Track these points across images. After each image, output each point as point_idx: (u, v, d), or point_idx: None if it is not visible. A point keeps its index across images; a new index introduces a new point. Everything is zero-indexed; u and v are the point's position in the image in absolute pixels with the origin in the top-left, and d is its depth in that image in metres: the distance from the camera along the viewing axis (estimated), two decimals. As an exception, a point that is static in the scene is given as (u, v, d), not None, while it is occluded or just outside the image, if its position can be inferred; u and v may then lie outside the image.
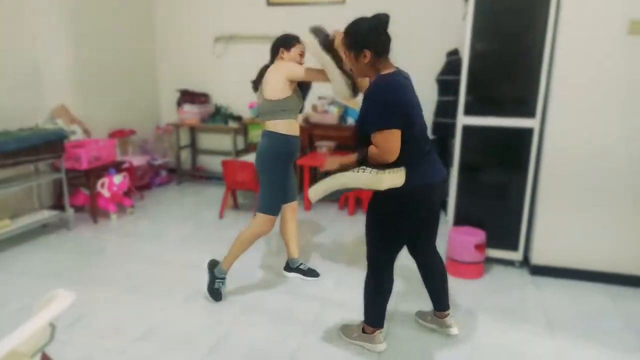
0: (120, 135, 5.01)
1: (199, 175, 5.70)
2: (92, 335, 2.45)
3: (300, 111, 2.84)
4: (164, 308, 2.73)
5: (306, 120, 4.84)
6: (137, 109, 5.41)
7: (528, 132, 2.99)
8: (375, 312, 2.29)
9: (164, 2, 5.49)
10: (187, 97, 5.34)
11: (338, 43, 2.29)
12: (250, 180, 4.16)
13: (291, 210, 3.03)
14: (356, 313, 2.54)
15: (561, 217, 3.00)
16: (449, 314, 2.44)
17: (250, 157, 4.21)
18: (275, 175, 2.73)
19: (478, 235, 3.08)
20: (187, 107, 5.27)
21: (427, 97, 2.13)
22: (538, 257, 3.11)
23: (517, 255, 3.22)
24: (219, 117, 5.26)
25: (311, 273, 3.10)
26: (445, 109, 3.97)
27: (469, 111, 3.07)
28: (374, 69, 2.03)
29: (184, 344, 2.38)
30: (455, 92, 3.25)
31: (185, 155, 5.71)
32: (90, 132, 4.50)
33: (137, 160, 4.97)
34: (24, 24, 3.98)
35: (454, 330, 2.42)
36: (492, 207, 3.19)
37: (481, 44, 2.96)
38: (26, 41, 4.01)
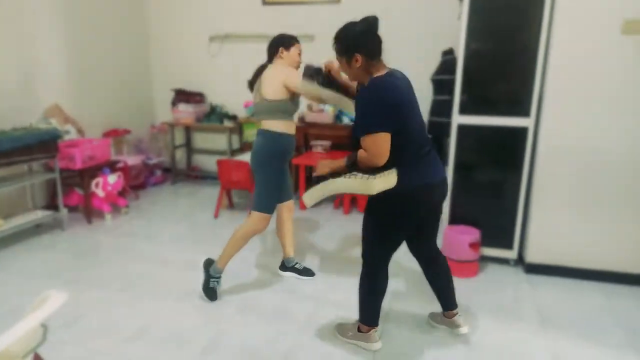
0: (115, 134, 4.99)
1: (194, 175, 5.68)
2: (85, 335, 2.44)
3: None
4: (158, 308, 2.72)
5: (301, 119, 4.83)
6: (131, 108, 5.39)
7: (522, 131, 3.00)
8: (370, 311, 2.30)
9: (158, 0, 5.47)
10: (182, 96, 5.32)
11: (334, 69, 2.31)
12: (246, 179, 4.15)
13: (287, 209, 3.02)
14: (351, 312, 2.54)
15: (555, 215, 3.02)
16: (457, 313, 2.43)
17: (246, 157, 4.20)
18: (271, 173, 2.73)
19: (473, 234, 3.09)
20: (182, 107, 5.25)
21: (422, 96, 2.13)
22: (532, 256, 3.13)
23: (511, 254, 3.23)
24: (214, 116, 5.25)
25: (306, 272, 3.10)
26: (441, 109, 3.98)
27: (464, 110, 3.08)
28: (367, 73, 2.02)
29: (178, 343, 2.38)
30: (451, 92, 3.26)
31: (180, 154, 5.69)
32: (84, 131, 4.48)
33: (132, 160, 4.95)
34: (18, 23, 3.96)
35: (464, 330, 2.40)
36: (487, 205, 3.20)
37: (476, 43, 2.97)
38: (19, 40, 3.98)
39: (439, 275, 2.40)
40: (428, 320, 2.55)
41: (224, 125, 5.16)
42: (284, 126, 2.70)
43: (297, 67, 2.75)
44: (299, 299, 2.83)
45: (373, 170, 1.98)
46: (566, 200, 2.98)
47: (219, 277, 2.79)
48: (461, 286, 2.95)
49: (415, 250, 2.39)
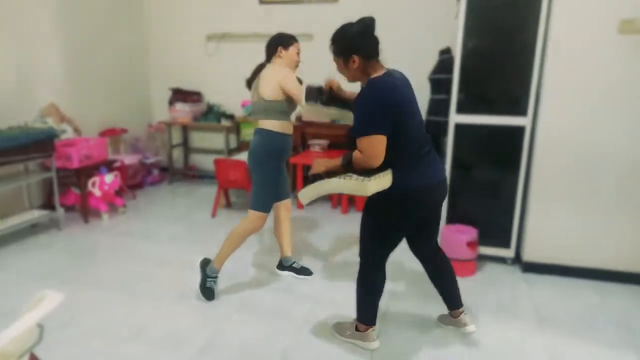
0: (112, 133, 4.97)
1: (191, 174, 5.67)
2: (82, 335, 2.43)
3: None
4: (155, 308, 2.71)
5: (299, 118, 4.83)
6: (128, 107, 5.37)
7: (520, 130, 3.01)
8: (367, 310, 2.30)
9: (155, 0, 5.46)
10: (179, 95, 5.31)
11: (335, 85, 2.32)
12: (243, 179, 4.15)
13: (285, 208, 3.02)
14: (349, 311, 2.53)
15: (552, 214, 3.02)
16: (463, 312, 2.41)
17: (243, 156, 4.20)
18: (267, 172, 2.72)
19: (470, 233, 3.10)
20: (179, 106, 5.24)
21: (419, 95, 2.13)
22: (530, 255, 3.13)
23: (509, 253, 3.24)
24: (212, 115, 5.24)
25: (304, 271, 3.10)
26: (438, 108, 3.97)
27: (461, 109, 3.08)
28: (364, 73, 2.02)
29: (176, 343, 2.37)
30: (448, 91, 3.26)
31: (178, 153, 5.68)
32: (80, 130, 4.47)
33: (129, 159, 4.94)
34: (15, 22, 3.94)
35: (470, 328, 2.38)
36: (485, 204, 3.20)
37: (473, 42, 2.97)
38: (16, 39, 3.96)
39: (441, 275, 2.39)
40: (437, 322, 2.52)
41: (221, 125, 5.15)
42: (281, 126, 2.69)
43: (296, 66, 2.75)
44: (296, 298, 2.83)
45: (368, 171, 1.98)
46: (563, 199, 2.99)
47: (216, 277, 2.79)
48: (459, 285, 2.95)
49: (416, 251, 2.38)
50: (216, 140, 5.52)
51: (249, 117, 4.76)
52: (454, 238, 3.08)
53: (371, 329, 2.31)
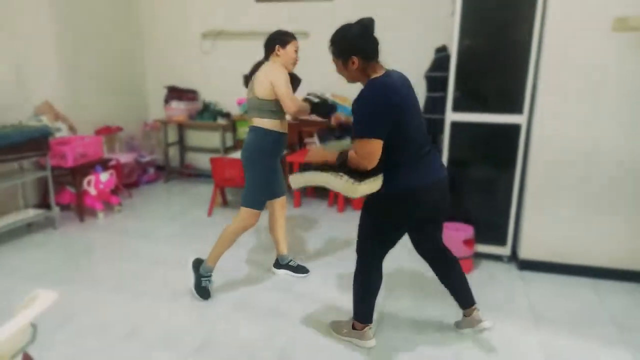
0: (107, 132, 4.95)
1: (187, 173, 5.66)
2: (78, 334, 2.42)
3: None
4: (151, 306, 2.70)
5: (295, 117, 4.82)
6: (123, 105, 5.35)
7: (515, 128, 3.01)
8: (364, 307, 2.29)
9: (150, -3, 5.44)
10: (175, 93, 5.29)
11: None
12: (239, 177, 4.13)
13: (280, 206, 3.01)
14: (345, 309, 2.54)
15: (548, 212, 3.03)
16: (476, 309, 2.35)
17: (239, 154, 4.17)
18: (260, 170, 2.72)
19: (466, 231, 3.10)
20: (175, 104, 5.22)
21: (415, 93, 2.13)
22: (526, 252, 3.14)
23: (505, 250, 3.24)
24: (208, 113, 5.22)
25: (301, 269, 3.10)
26: (434, 106, 3.98)
27: (457, 107, 3.08)
28: (364, 74, 2.02)
29: (172, 342, 2.37)
30: (444, 89, 3.26)
31: (174, 152, 5.66)
32: (76, 128, 4.44)
33: (124, 158, 4.92)
34: (8, 19, 3.91)
35: (487, 324, 2.29)
36: (481, 202, 3.21)
37: (469, 40, 2.97)
38: (10, 37, 3.94)
39: (449, 274, 2.35)
40: (455, 329, 2.45)
41: (217, 123, 5.13)
42: (274, 124, 2.69)
43: (294, 64, 2.73)
44: (293, 296, 2.83)
45: (360, 174, 1.99)
46: (559, 196, 2.99)
47: (210, 276, 2.78)
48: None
49: (421, 251, 2.36)
50: (212, 138, 5.50)
51: (245, 115, 4.75)
52: (450, 236, 3.07)
53: (368, 327, 2.31)
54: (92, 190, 4.11)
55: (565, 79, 2.83)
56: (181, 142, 5.68)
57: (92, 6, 4.81)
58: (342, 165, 2.06)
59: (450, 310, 2.63)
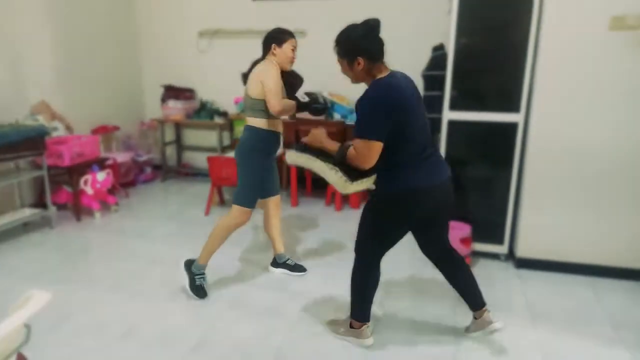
0: (104, 131, 4.93)
1: (184, 172, 5.65)
2: (75, 334, 2.41)
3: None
4: (148, 306, 2.70)
5: (292, 115, 4.81)
6: (120, 105, 5.33)
7: (512, 126, 3.01)
8: (362, 306, 2.29)
9: (147, -4, 5.42)
10: (172, 92, 5.27)
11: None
12: (236, 176, 4.12)
13: (274, 205, 3.01)
14: (343, 308, 2.53)
15: (545, 210, 3.03)
16: (486, 310, 2.30)
17: (236, 153, 4.18)
18: (252, 168, 2.72)
19: (464, 229, 3.10)
20: (172, 103, 5.21)
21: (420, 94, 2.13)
22: (523, 251, 3.14)
23: (502, 249, 3.24)
24: (205, 112, 5.21)
25: (298, 268, 3.09)
26: (431, 104, 3.97)
27: (454, 106, 3.08)
28: (369, 75, 2.01)
29: (169, 342, 2.36)
30: (441, 87, 3.26)
31: (171, 151, 5.65)
32: (72, 128, 4.43)
33: (121, 157, 4.91)
34: (4, 18, 3.89)
35: (498, 325, 2.26)
36: (478, 201, 3.21)
37: (466, 38, 2.97)
38: (6, 36, 3.92)
39: (456, 275, 2.32)
40: (465, 334, 2.40)
41: (214, 122, 5.12)
42: (267, 123, 2.68)
43: (291, 63, 2.72)
44: (290, 295, 2.82)
45: (355, 172, 2.02)
46: (556, 195, 2.99)
47: (203, 273, 2.78)
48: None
49: (427, 252, 2.34)
50: (209, 137, 5.49)
51: (242, 113, 4.74)
52: (447, 234, 3.08)
53: (365, 325, 2.31)
54: (89, 190, 4.10)
55: (563, 78, 2.83)
56: (178, 141, 5.67)
57: (89, 5, 4.79)
58: (340, 162, 2.06)
59: (449, 310, 2.64)
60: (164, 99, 5.26)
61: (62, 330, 2.44)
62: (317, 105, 2.73)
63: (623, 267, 2.99)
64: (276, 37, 2.67)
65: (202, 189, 4.98)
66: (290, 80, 2.77)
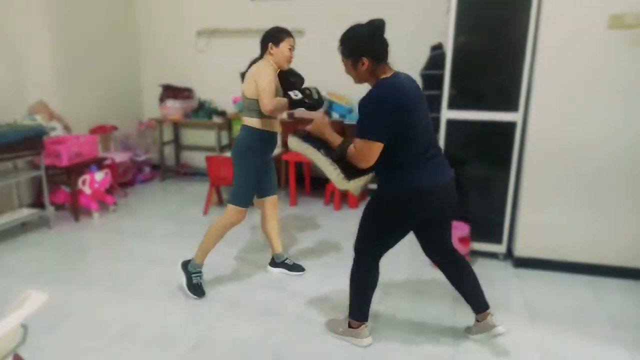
0: (102, 131, 4.92)
1: (182, 172, 5.64)
2: (73, 334, 2.41)
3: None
4: (146, 306, 2.69)
5: (290, 114, 4.81)
6: (118, 104, 5.33)
7: (511, 125, 3.01)
8: (360, 306, 2.29)
9: (145, -5, 5.41)
10: (170, 92, 5.27)
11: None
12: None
13: (271, 205, 3.00)
14: (341, 308, 2.53)
15: (544, 209, 3.03)
16: (490, 313, 2.27)
17: (235, 153, 4.17)
18: (248, 168, 2.72)
19: (462, 229, 3.10)
20: (170, 102, 5.20)
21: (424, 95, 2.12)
22: (521, 250, 3.14)
23: (500, 248, 3.25)
24: (203, 112, 5.20)
25: (296, 268, 3.09)
26: (430, 103, 3.97)
27: (452, 105, 3.08)
28: (373, 76, 2.01)
29: (167, 342, 2.36)
30: (439, 87, 3.26)
31: (169, 151, 5.64)
32: (70, 128, 4.42)
33: (120, 157, 4.90)
34: (3, 18, 3.88)
35: (501, 329, 2.22)
36: (476, 200, 3.21)
37: (464, 37, 2.97)
38: (4, 35, 3.91)
39: (459, 276, 2.30)
40: (465, 335, 2.38)
41: (212, 121, 5.12)
42: (263, 123, 2.68)
43: (288, 62, 2.71)
44: (288, 295, 2.82)
45: (352, 171, 2.04)
46: (554, 194, 3.00)
47: (200, 272, 2.79)
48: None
49: (429, 253, 2.34)
50: (208, 137, 5.48)
51: (240, 113, 4.74)
52: (446, 234, 3.08)
53: (364, 325, 2.31)
54: (87, 190, 4.09)
55: (561, 77, 2.83)
56: (176, 141, 5.66)
57: (87, 5, 4.78)
58: (340, 158, 2.07)
59: (448, 310, 2.64)
60: (162, 99, 5.26)
61: (60, 330, 2.44)
62: (310, 101, 2.63)
63: (622, 266, 2.99)
64: (273, 36, 2.66)
65: (201, 189, 4.97)
66: (291, 80, 2.77)
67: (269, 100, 2.54)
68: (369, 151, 1.95)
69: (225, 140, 5.30)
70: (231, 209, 2.73)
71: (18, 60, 4.05)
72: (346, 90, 4.51)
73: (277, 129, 2.78)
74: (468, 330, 2.40)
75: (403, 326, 2.50)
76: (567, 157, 2.92)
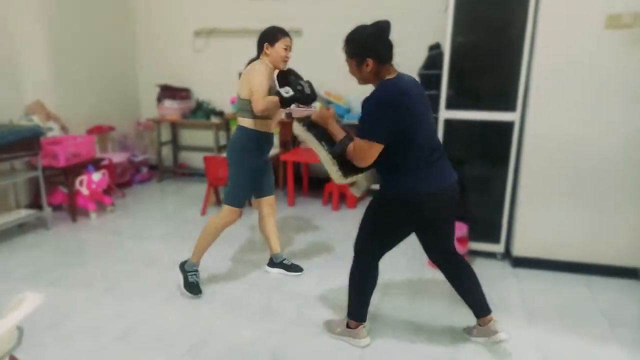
0: (99, 131, 4.91)
1: (180, 172, 5.63)
2: (71, 336, 2.40)
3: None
4: (144, 307, 2.69)
5: (288, 115, 4.80)
6: (116, 105, 5.31)
7: (509, 125, 3.01)
8: (359, 306, 2.29)
9: (142, -5, 5.40)
10: (168, 92, 5.26)
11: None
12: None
13: (268, 205, 3.00)
14: (339, 308, 2.53)
15: (542, 209, 3.03)
16: (492, 319, 2.26)
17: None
18: (243, 168, 2.72)
19: (460, 229, 3.10)
20: (168, 103, 5.19)
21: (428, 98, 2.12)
22: (519, 249, 3.15)
23: (498, 248, 3.25)
24: (201, 112, 5.20)
25: (294, 268, 3.09)
26: (428, 103, 3.98)
27: (450, 105, 3.08)
28: (377, 77, 2.01)
29: (165, 343, 2.35)
30: (437, 87, 3.26)
31: (167, 151, 5.63)
32: (67, 128, 4.41)
33: (117, 157, 4.89)
34: (1, 18, 3.88)
35: (502, 336, 2.20)
36: (474, 200, 3.21)
37: (462, 37, 2.97)
38: (2, 36, 3.89)
39: (460, 280, 2.29)
40: (464, 335, 2.37)
41: (210, 122, 5.10)
42: (257, 124, 2.68)
43: (284, 62, 2.70)
44: (287, 295, 2.82)
45: (350, 168, 2.06)
46: (552, 193, 3.00)
47: (196, 270, 2.80)
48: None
49: (429, 253, 2.33)
50: (205, 137, 5.47)
51: (237, 113, 4.73)
52: (444, 234, 3.08)
53: (362, 325, 2.30)
54: (85, 190, 4.08)
55: (559, 76, 2.83)
56: (174, 141, 5.65)
57: (84, 5, 4.77)
58: (339, 155, 2.07)
59: (447, 310, 2.64)
60: (160, 99, 5.24)
61: (58, 331, 2.43)
62: (301, 96, 2.59)
63: (619, 265, 3.00)
64: (268, 36, 2.65)
65: (199, 189, 4.97)
66: (290, 80, 2.76)
67: (260, 100, 2.53)
68: (368, 151, 1.95)
69: (223, 141, 5.29)
70: (226, 209, 2.74)
71: (14, 60, 4.03)
72: (344, 90, 4.52)
73: (273, 129, 2.78)
74: (467, 331, 2.39)
75: (402, 326, 2.49)
76: (564, 156, 2.93)
